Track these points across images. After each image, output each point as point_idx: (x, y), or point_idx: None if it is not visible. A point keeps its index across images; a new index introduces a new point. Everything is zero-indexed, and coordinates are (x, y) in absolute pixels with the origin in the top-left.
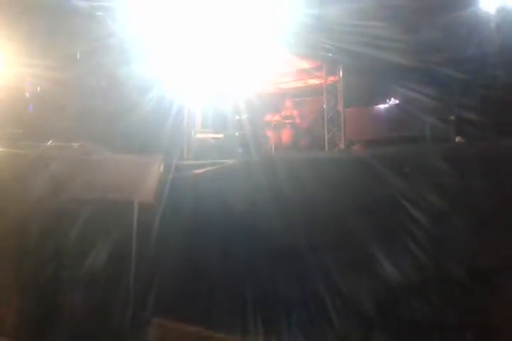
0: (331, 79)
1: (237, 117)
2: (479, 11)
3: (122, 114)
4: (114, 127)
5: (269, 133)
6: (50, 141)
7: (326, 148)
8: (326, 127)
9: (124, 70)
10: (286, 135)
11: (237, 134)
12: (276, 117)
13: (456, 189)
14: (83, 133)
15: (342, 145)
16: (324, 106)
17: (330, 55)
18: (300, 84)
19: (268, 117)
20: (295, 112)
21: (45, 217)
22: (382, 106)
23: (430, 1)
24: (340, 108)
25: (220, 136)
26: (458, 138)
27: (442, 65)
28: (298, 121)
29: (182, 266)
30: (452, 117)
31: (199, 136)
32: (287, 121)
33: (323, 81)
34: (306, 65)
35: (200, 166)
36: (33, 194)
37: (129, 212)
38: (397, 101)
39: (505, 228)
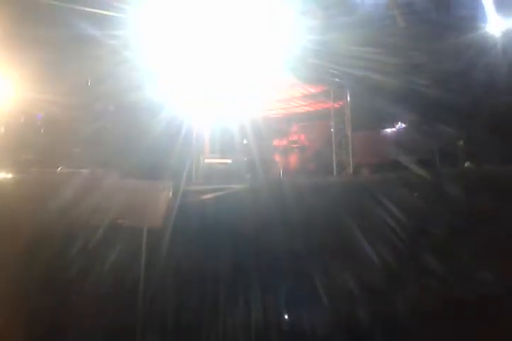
0: (339, 103)
1: (245, 142)
2: (485, 35)
3: (132, 139)
4: (123, 152)
5: (277, 158)
6: (60, 168)
7: (334, 172)
8: (334, 151)
9: (134, 96)
10: (293, 159)
11: (245, 159)
12: (284, 141)
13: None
14: (93, 158)
15: (350, 170)
16: (332, 130)
17: (337, 79)
18: (308, 108)
19: (276, 142)
20: (302, 136)
21: (54, 242)
22: (390, 130)
23: (438, 26)
24: (348, 132)
25: (228, 161)
26: (467, 163)
27: (450, 90)
28: (305, 145)
29: (191, 290)
30: (461, 142)
31: (207, 161)
32: (295, 145)
33: (330, 105)
34: (313, 89)
35: (208, 191)
36: (43, 219)
37: (138, 237)
38: (405, 125)
39: None
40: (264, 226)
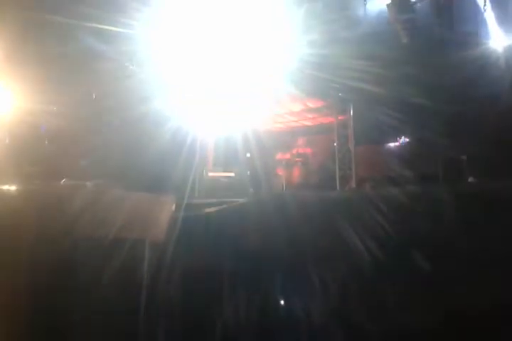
0: (342, 117)
1: (248, 155)
2: (488, 50)
3: (135, 152)
4: (127, 165)
5: (280, 171)
6: (64, 180)
7: (338, 186)
8: (337, 165)
9: (138, 109)
10: (296, 173)
11: (248, 173)
12: (287, 155)
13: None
14: (97, 171)
15: (353, 184)
16: (335, 144)
17: (340, 94)
18: (311, 122)
19: (279, 155)
20: (306, 150)
21: (57, 254)
22: (393, 144)
23: (441, 41)
24: (350, 146)
25: (232, 174)
26: (471, 178)
27: (453, 104)
28: (309, 159)
29: (193, 305)
30: (464, 157)
31: (211, 174)
32: (298, 159)
33: (333, 119)
34: (316, 103)
35: (211, 205)
36: (46, 231)
37: (141, 250)
38: (408, 140)
39: None
40: (267, 240)
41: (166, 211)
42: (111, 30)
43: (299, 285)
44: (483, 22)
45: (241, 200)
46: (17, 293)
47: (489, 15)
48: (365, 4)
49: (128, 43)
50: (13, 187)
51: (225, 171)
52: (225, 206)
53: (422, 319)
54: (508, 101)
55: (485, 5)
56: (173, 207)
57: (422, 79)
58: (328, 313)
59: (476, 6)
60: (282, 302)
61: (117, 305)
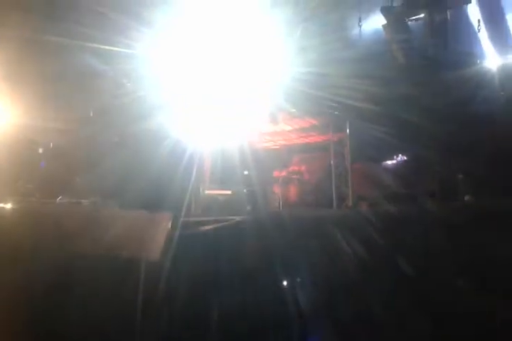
0: (338, 135)
1: (246, 173)
2: (483, 70)
3: (132, 170)
4: (123, 183)
5: (277, 189)
6: (60, 197)
7: (334, 204)
8: (333, 183)
9: (135, 127)
10: (293, 191)
11: (245, 191)
12: (284, 173)
13: None
14: (93, 189)
15: (350, 202)
16: (332, 162)
17: (336, 112)
18: (308, 140)
19: (276, 173)
20: (302, 168)
21: (52, 273)
22: (390, 163)
23: (436, 61)
24: (347, 164)
25: (228, 192)
26: (467, 197)
27: (449, 123)
28: (305, 176)
29: (191, 323)
30: (460, 175)
31: (207, 192)
32: (294, 176)
33: (330, 137)
34: (313, 121)
35: (208, 223)
36: (41, 249)
37: (136, 269)
38: (405, 158)
39: None
40: (264, 258)
41: (162, 229)
42: (108, 49)
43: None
44: (478, 42)
45: (238, 218)
46: (13, 310)
47: (483, 36)
48: (360, 25)
49: (124, 61)
50: (8, 205)
51: (221, 189)
52: (221, 224)
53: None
54: (503, 120)
55: (479, 25)
56: (170, 225)
57: (417, 98)
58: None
59: (470, 26)
60: (279, 316)
61: (112, 322)
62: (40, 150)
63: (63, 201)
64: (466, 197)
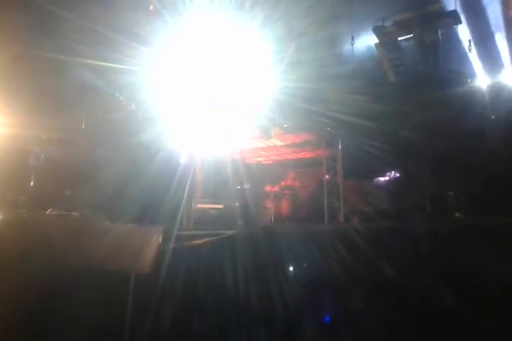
0: (330, 151)
1: (238, 187)
2: (473, 88)
3: (124, 183)
4: (114, 196)
5: (269, 204)
6: (50, 210)
7: (326, 219)
8: (325, 198)
9: (128, 140)
10: (285, 205)
11: (237, 204)
12: (276, 188)
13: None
14: (84, 201)
15: (341, 217)
16: (323, 178)
17: (328, 128)
18: (300, 155)
19: (268, 187)
20: (294, 183)
21: (41, 286)
22: (381, 179)
23: (427, 79)
24: (339, 179)
25: (220, 206)
26: (457, 213)
27: (440, 140)
28: (298, 191)
29: (179, 336)
30: (451, 192)
31: (199, 206)
32: (287, 191)
33: (322, 153)
34: (305, 137)
35: (199, 237)
36: (30, 262)
37: (126, 283)
38: (396, 174)
39: None
40: (255, 272)
41: (153, 243)
42: (102, 65)
43: (288, 316)
44: (468, 61)
45: (229, 232)
46: (1, 321)
47: (473, 55)
48: (352, 43)
49: (118, 76)
50: None
51: (213, 203)
52: (212, 238)
53: None
54: (493, 138)
55: (470, 45)
56: (160, 238)
57: (408, 115)
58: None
59: (461, 46)
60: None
61: (102, 336)
62: (31, 162)
63: (53, 213)
64: (457, 214)
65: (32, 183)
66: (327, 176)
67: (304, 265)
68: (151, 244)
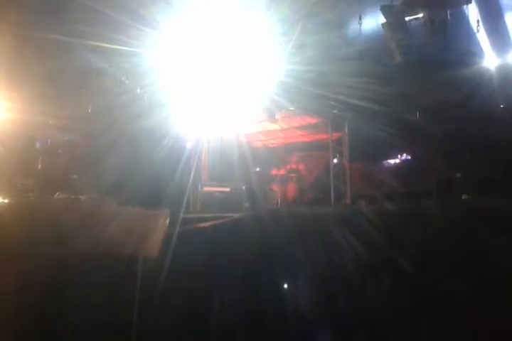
0: (337, 134)
1: (244, 170)
2: (482, 68)
3: (131, 167)
4: (122, 180)
5: (275, 187)
6: (58, 193)
7: (332, 202)
8: (331, 181)
9: (134, 124)
10: (291, 189)
11: (243, 188)
12: (282, 171)
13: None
14: (91, 185)
15: (348, 200)
16: (330, 161)
17: (335, 111)
18: (306, 138)
19: (274, 171)
20: (301, 166)
21: (49, 270)
22: (388, 161)
23: (435, 59)
24: (345, 163)
25: (227, 189)
26: (464, 195)
27: (447, 122)
28: (304, 175)
29: (187, 318)
30: (458, 174)
31: (206, 189)
32: (293, 174)
33: (328, 136)
34: (312, 120)
35: (206, 220)
36: (39, 245)
37: (133, 266)
38: (403, 157)
39: None
40: (262, 255)
41: (160, 226)
42: (107, 47)
43: (292, 297)
44: (476, 42)
45: (236, 215)
46: (10, 304)
47: (482, 36)
48: (360, 24)
49: (124, 59)
50: (6, 200)
51: (220, 186)
52: (219, 221)
53: None
54: (502, 119)
55: (478, 25)
56: (168, 221)
57: (416, 97)
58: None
59: (469, 26)
60: (276, 313)
61: (110, 320)
62: (39, 147)
63: (61, 197)
64: (464, 196)
65: (40, 168)
66: (335, 159)
67: (311, 247)
68: (158, 227)
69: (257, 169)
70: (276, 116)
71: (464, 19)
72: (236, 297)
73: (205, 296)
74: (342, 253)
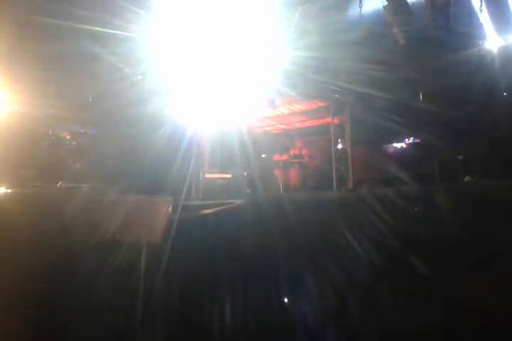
0: (339, 119)
1: (245, 157)
2: (484, 51)
3: (132, 155)
4: (123, 168)
5: (277, 173)
6: (60, 183)
7: (335, 187)
8: (333, 167)
9: (134, 112)
10: (294, 174)
11: (245, 174)
12: (284, 157)
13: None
14: (93, 174)
15: (350, 185)
16: (332, 146)
17: (336, 95)
18: (308, 123)
19: (276, 156)
20: (303, 152)
21: (54, 259)
22: (390, 146)
23: (437, 43)
24: (347, 148)
25: (228, 175)
26: (467, 178)
27: (449, 105)
28: (306, 160)
29: (190, 306)
30: (460, 157)
31: (207, 175)
32: (295, 160)
33: (330, 121)
34: (313, 105)
35: (208, 206)
36: (42, 234)
37: (137, 253)
38: (406, 141)
39: None
40: (265, 242)
41: (162, 213)
42: (106, 32)
43: (294, 285)
44: (479, 23)
45: (238, 202)
46: (13, 295)
47: (485, 16)
48: (360, 7)
49: (123, 45)
50: (9, 190)
51: (221, 172)
52: (221, 208)
53: None
54: (504, 102)
55: (481, 5)
56: (170, 209)
57: (418, 81)
58: (323, 312)
59: (472, 7)
60: (279, 301)
61: (114, 308)
62: (40, 137)
63: (64, 186)
64: (466, 179)
65: (41, 158)
66: (340, 145)
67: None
68: (161, 215)
69: (262, 155)
70: (277, 102)
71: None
72: (238, 282)
73: (208, 281)
74: (345, 239)
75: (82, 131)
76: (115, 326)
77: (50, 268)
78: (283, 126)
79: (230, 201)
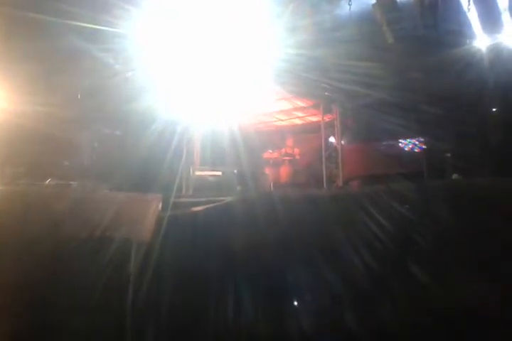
0: (329, 116)
1: (236, 154)
2: (473, 50)
3: (122, 151)
4: (113, 165)
5: (268, 170)
6: (49, 180)
7: (324, 184)
8: (323, 164)
9: (125, 109)
10: (284, 172)
11: (235, 171)
12: (275, 154)
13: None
14: (82, 171)
15: (340, 182)
16: (322, 143)
17: (326, 93)
18: (299, 121)
19: (267, 154)
20: (293, 149)
21: (43, 256)
22: (379, 143)
23: (426, 42)
24: (337, 145)
25: (219, 173)
26: (455, 175)
27: (438, 103)
28: (296, 158)
29: (179, 303)
30: (448, 154)
31: (198, 173)
32: (286, 158)
33: (320, 119)
34: (303, 103)
35: (198, 204)
36: (32, 232)
37: (127, 250)
38: (394, 139)
39: None
40: (254, 239)
41: (152, 210)
42: (96, 29)
43: (286, 283)
44: (468, 21)
45: (228, 199)
46: (2, 292)
47: (473, 15)
48: (350, 4)
49: (113, 41)
50: None
51: (212, 170)
52: (211, 205)
53: None
54: (493, 100)
55: (469, 4)
56: (160, 206)
57: (407, 78)
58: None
59: (460, 5)
60: (269, 300)
61: (103, 304)
62: (29, 134)
63: (52, 183)
64: (454, 176)
65: (30, 155)
66: (325, 141)
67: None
68: (151, 211)
69: (250, 152)
70: (268, 99)
71: None
72: (230, 280)
73: (197, 279)
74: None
75: (72, 128)
76: (104, 323)
77: (39, 265)
78: (274, 124)
79: (221, 198)
